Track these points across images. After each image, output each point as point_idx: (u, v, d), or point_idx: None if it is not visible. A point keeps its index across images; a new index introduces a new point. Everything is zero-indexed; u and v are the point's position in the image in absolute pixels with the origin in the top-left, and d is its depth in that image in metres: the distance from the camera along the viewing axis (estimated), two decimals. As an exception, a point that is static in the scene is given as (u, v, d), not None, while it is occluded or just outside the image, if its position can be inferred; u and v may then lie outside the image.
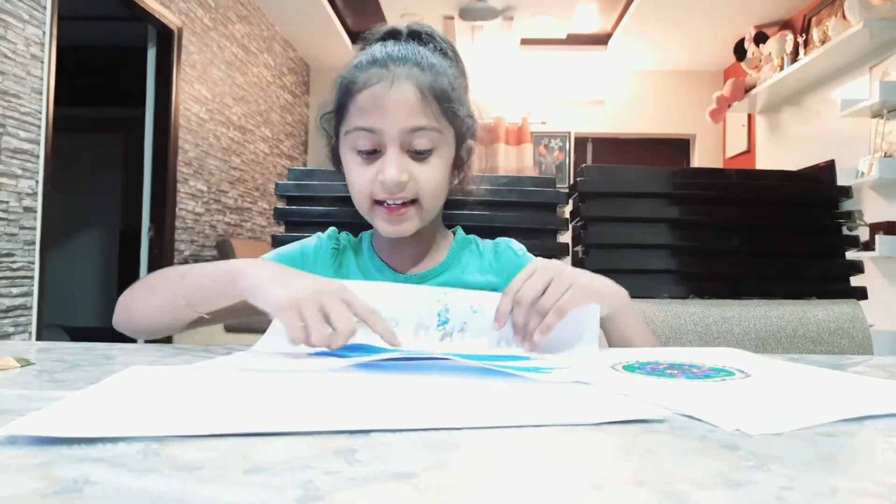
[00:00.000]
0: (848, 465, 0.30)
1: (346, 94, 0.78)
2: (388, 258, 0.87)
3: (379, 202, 0.78)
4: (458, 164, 0.85)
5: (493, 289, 0.86)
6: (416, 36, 0.83)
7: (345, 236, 0.90)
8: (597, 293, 0.70)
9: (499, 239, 0.92)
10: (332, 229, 0.90)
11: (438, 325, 0.68)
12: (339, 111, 0.80)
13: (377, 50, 0.79)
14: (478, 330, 0.68)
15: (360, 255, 0.88)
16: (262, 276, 0.63)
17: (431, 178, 0.77)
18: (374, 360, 0.52)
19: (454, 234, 0.92)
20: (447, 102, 0.77)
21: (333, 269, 0.86)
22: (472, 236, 0.93)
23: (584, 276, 0.69)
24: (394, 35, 0.83)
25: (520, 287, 0.66)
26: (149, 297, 0.73)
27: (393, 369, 0.50)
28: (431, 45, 0.82)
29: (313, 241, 0.88)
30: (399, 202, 0.77)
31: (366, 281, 0.73)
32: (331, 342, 0.57)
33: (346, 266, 0.87)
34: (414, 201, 0.78)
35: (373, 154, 0.76)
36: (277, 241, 1.09)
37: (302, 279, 0.61)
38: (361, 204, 0.79)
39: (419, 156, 0.76)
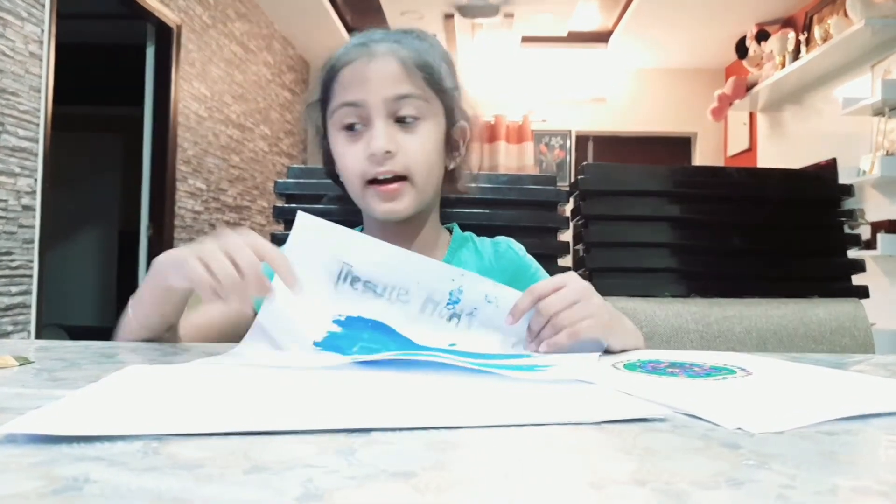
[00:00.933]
0: (849, 464, 0.30)
1: (328, 77, 0.78)
2: None
3: (371, 182, 0.76)
4: (452, 145, 0.84)
5: None
6: (401, 31, 0.83)
7: None
8: (612, 332, 0.66)
9: (498, 238, 0.91)
10: None
11: (448, 304, 0.66)
12: (324, 96, 0.80)
13: (358, 36, 0.80)
14: (487, 320, 0.66)
15: None
16: (170, 254, 0.62)
17: (421, 148, 0.76)
18: (373, 359, 0.52)
19: (450, 231, 0.91)
20: (431, 74, 0.77)
21: None
22: (468, 234, 0.91)
23: (608, 310, 0.67)
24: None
25: (547, 294, 0.63)
26: (133, 305, 0.71)
27: (392, 367, 0.50)
28: (416, 35, 0.82)
29: None
30: (390, 176, 0.75)
31: (378, 241, 0.69)
32: (241, 290, 0.55)
33: None
34: (405, 179, 0.76)
35: (360, 129, 0.76)
36: (277, 240, 1.09)
37: (207, 239, 0.59)
38: (354, 185, 0.78)
39: (406, 125, 0.76)
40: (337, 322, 0.65)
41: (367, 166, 0.75)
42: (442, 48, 0.84)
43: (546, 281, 0.65)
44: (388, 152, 0.74)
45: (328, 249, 0.66)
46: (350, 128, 0.76)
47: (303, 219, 0.68)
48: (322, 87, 0.80)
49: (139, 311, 0.68)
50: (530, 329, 0.64)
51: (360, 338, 0.63)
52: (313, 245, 0.66)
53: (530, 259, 0.89)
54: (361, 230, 0.88)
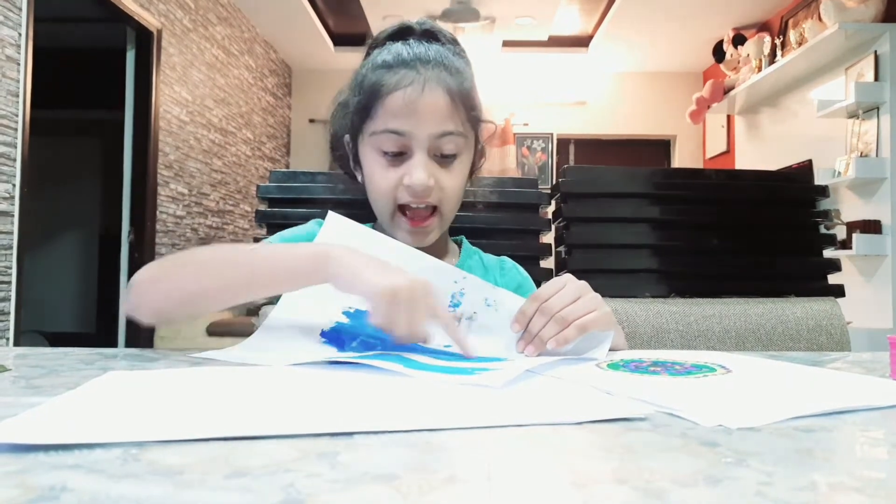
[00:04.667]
0: (826, 460, 0.31)
1: (373, 95, 0.75)
2: None
3: (401, 208, 0.77)
4: (473, 169, 0.85)
5: None
6: (433, 36, 0.82)
7: None
8: (615, 324, 0.68)
9: (503, 257, 0.92)
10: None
11: (450, 306, 0.67)
12: (365, 111, 0.77)
13: (402, 50, 0.77)
14: (486, 325, 0.66)
15: None
16: (357, 261, 0.61)
17: (454, 184, 0.77)
18: (343, 360, 0.53)
19: (459, 244, 0.92)
20: (472, 109, 0.78)
21: None
22: (475, 248, 0.92)
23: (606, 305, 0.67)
24: (409, 32, 0.82)
25: (550, 296, 0.63)
26: (199, 276, 0.67)
27: (373, 370, 0.50)
28: (450, 47, 0.81)
29: (313, 228, 0.83)
30: (423, 206, 0.76)
31: (395, 241, 0.70)
32: (401, 340, 0.59)
33: None
34: (435, 209, 0.77)
35: (399, 157, 0.75)
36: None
37: (394, 271, 0.60)
38: (383, 208, 0.78)
39: (444, 161, 0.76)
40: (346, 313, 0.67)
41: (401, 193, 0.76)
42: (467, 60, 0.83)
43: (546, 285, 0.65)
44: (427, 187, 0.74)
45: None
46: (390, 153, 0.75)
47: (333, 218, 0.74)
48: (364, 98, 0.77)
49: (272, 272, 0.64)
50: (528, 331, 0.63)
51: (363, 331, 0.64)
52: (339, 241, 0.69)
53: (530, 283, 0.91)
54: (372, 226, 0.88)
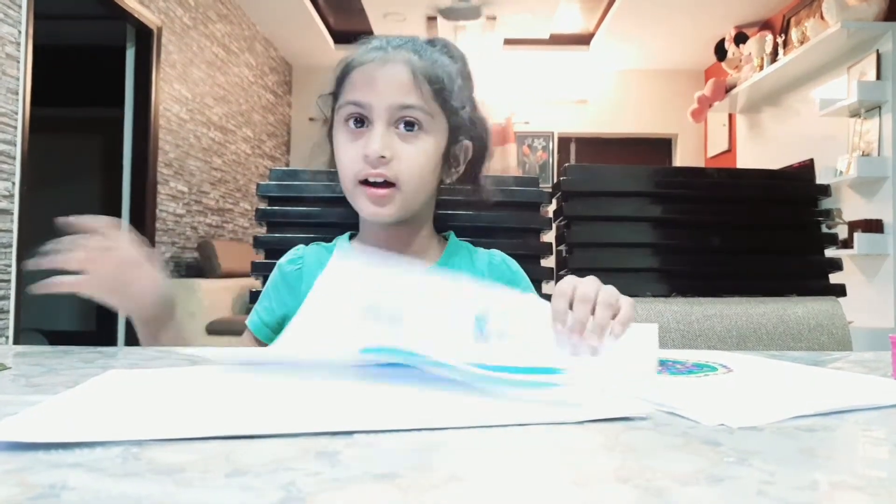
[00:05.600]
0: (828, 459, 0.31)
1: (342, 73, 0.80)
2: None
3: (362, 182, 0.77)
4: (452, 161, 0.84)
5: None
6: (428, 42, 0.84)
7: (311, 248, 0.89)
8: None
9: (493, 251, 0.92)
10: (293, 250, 0.89)
11: (476, 330, 0.59)
12: (336, 90, 0.81)
13: (379, 39, 0.81)
14: (519, 336, 0.60)
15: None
16: None
17: (415, 158, 0.77)
18: (384, 359, 0.49)
19: (447, 238, 0.91)
20: (441, 89, 0.78)
21: (299, 290, 0.84)
22: (464, 242, 0.92)
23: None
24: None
25: (575, 288, 0.58)
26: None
27: (383, 369, 0.50)
28: (440, 47, 0.83)
29: (274, 273, 0.88)
30: (381, 181, 0.76)
31: (409, 273, 0.65)
32: None
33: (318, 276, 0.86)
34: (394, 185, 0.77)
35: (360, 128, 0.77)
36: (259, 243, 1.08)
37: None
38: (346, 182, 0.79)
39: (406, 134, 0.77)
40: (364, 351, 0.57)
41: (360, 166, 0.76)
42: (465, 64, 0.85)
43: (563, 282, 0.61)
44: (382, 157, 0.75)
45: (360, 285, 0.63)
46: (352, 125, 0.78)
47: (335, 264, 0.69)
48: (335, 82, 0.81)
49: None
50: (577, 320, 0.56)
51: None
52: (345, 281, 0.65)
53: (522, 275, 0.90)
54: (349, 237, 0.89)
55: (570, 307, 0.57)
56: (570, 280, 0.60)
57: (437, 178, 0.83)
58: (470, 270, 0.87)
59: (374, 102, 0.75)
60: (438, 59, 0.80)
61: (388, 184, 0.77)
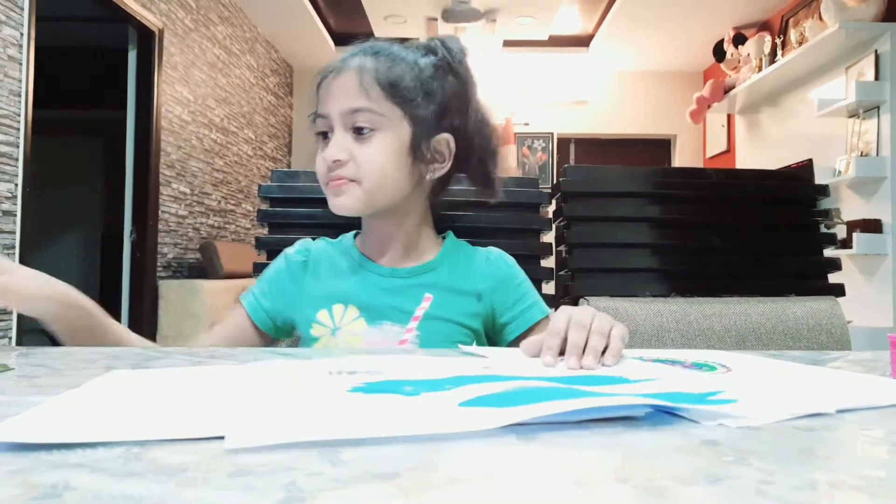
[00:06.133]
0: (826, 459, 0.31)
1: (316, 89, 0.85)
2: (372, 254, 0.88)
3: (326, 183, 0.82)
4: (430, 156, 0.83)
5: (480, 295, 0.85)
6: (388, 42, 0.87)
7: (319, 243, 0.92)
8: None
9: (490, 248, 0.92)
10: (300, 242, 0.92)
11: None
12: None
13: (350, 48, 0.86)
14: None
15: (345, 255, 0.89)
16: None
17: (371, 158, 0.80)
18: (536, 415, 0.35)
19: (444, 238, 0.92)
20: (393, 86, 0.80)
21: (302, 281, 0.87)
22: (462, 241, 0.93)
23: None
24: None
25: (566, 322, 0.58)
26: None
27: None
28: (423, 49, 0.85)
29: (280, 261, 0.90)
30: (339, 181, 0.80)
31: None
32: None
33: (326, 270, 0.88)
34: (353, 181, 0.81)
35: (327, 138, 0.82)
36: (261, 243, 1.08)
37: None
38: (321, 185, 0.84)
39: (362, 136, 0.80)
40: (353, 390, 0.44)
41: (325, 171, 0.81)
42: (457, 68, 0.86)
43: (554, 317, 0.60)
44: (336, 161, 0.79)
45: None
46: (322, 135, 0.83)
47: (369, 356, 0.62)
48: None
49: None
50: (573, 345, 0.56)
51: (397, 387, 0.45)
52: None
53: (518, 271, 0.90)
54: (353, 235, 0.92)
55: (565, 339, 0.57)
56: (564, 312, 0.60)
57: (410, 173, 0.82)
58: (467, 266, 0.88)
59: (331, 111, 0.80)
60: (400, 58, 0.82)
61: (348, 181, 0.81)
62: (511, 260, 0.91)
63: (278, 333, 0.89)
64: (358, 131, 0.80)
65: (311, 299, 0.85)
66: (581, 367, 0.54)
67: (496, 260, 0.90)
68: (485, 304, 0.86)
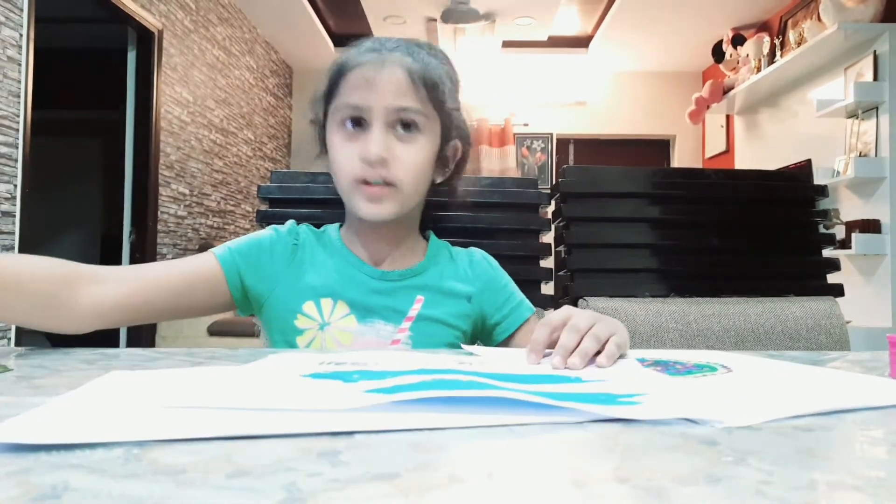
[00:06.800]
0: (826, 459, 0.31)
1: (337, 74, 0.79)
2: (361, 254, 0.85)
3: (360, 182, 0.77)
4: (443, 161, 0.85)
5: (469, 297, 0.85)
6: (412, 42, 0.85)
7: (305, 229, 0.87)
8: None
9: (471, 248, 0.92)
10: (291, 222, 0.87)
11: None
12: (330, 91, 0.80)
13: (372, 41, 0.81)
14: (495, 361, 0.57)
15: (330, 250, 0.85)
16: None
17: (413, 160, 0.77)
18: (415, 397, 0.38)
19: (426, 238, 0.91)
20: (435, 91, 0.78)
21: (289, 264, 0.82)
22: (443, 241, 0.92)
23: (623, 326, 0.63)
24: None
25: (563, 320, 0.57)
26: None
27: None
28: (426, 49, 0.83)
29: (268, 233, 0.84)
30: (380, 181, 0.76)
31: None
32: None
33: (311, 261, 0.83)
34: (392, 185, 0.77)
35: (358, 130, 0.77)
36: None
37: None
38: (343, 183, 0.79)
39: (403, 135, 0.77)
40: (308, 376, 0.47)
41: (359, 168, 0.76)
42: (451, 66, 0.85)
43: (554, 313, 0.60)
44: (382, 159, 0.75)
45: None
46: (349, 127, 0.78)
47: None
48: (329, 83, 0.81)
49: None
50: (563, 347, 0.55)
51: (349, 375, 0.47)
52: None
53: (502, 272, 0.90)
54: (338, 228, 0.88)
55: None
56: (564, 310, 0.60)
57: (430, 179, 0.84)
58: (452, 269, 0.87)
59: (373, 104, 0.76)
60: (429, 62, 0.80)
61: (386, 183, 0.77)
62: (494, 261, 0.91)
63: (240, 304, 0.81)
64: (406, 128, 0.77)
65: (296, 288, 0.81)
66: (566, 367, 0.53)
67: (480, 261, 0.90)
68: (474, 307, 0.86)
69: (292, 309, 0.81)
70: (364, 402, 0.37)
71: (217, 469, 0.27)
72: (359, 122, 0.77)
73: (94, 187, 5.35)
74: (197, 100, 4.02)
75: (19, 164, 2.55)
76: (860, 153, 3.42)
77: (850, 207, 3.47)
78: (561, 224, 1.23)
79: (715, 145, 5.46)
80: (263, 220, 1.10)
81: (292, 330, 0.80)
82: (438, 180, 0.86)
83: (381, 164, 0.75)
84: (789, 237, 1.25)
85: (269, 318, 0.83)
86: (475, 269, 0.88)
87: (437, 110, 0.80)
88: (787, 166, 3.96)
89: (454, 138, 0.85)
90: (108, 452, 0.29)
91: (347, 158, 0.77)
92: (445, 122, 0.82)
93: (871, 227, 3.26)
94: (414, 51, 0.80)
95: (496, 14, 4.44)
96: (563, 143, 5.98)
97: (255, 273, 0.81)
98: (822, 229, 1.26)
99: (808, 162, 3.78)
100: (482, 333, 0.88)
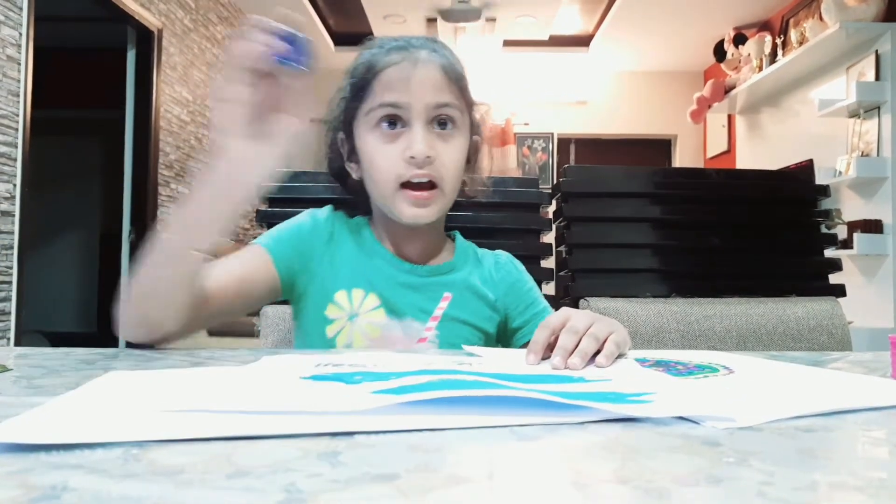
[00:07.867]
0: (827, 460, 0.31)
1: (367, 75, 0.77)
2: (388, 245, 0.84)
3: (403, 185, 0.76)
4: (469, 157, 0.84)
5: (495, 299, 0.85)
6: (430, 39, 0.84)
7: (341, 217, 0.86)
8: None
9: (498, 251, 0.92)
10: (328, 208, 0.86)
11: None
12: (360, 92, 0.78)
13: (394, 39, 0.80)
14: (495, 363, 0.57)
15: (363, 243, 0.84)
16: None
17: (454, 157, 0.77)
18: (423, 398, 0.37)
19: (452, 238, 0.91)
20: (464, 85, 0.79)
21: (325, 252, 0.82)
22: (469, 242, 0.92)
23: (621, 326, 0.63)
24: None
25: (563, 321, 0.57)
26: (148, 257, 0.71)
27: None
28: (444, 46, 0.83)
29: (307, 219, 0.84)
30: (425, 181, 0.75)
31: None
32: None
33: (346, 250, 0.83)
34: (435, 186, 0.76)
35: (395, 130, 0.76)
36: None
37: None
38: (385, 185, 0.76)
39: (443, 133, 0.77)
40: (308, 378, 0.47)
41: (403, 168, 0.75)
42: (461, 64, 0.85)
43: (554, 315, 0.60)
44: (428, 158, 0.74)
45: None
46: (386, 127, 0.76)
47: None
48: (357, 84, 0.78)
49: (190, 221, 0.72)
50: (562, 347, 0.55)
51: (350, 377, 0.47)
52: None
53: (528, 276, 0.90)
54: (367, 222, 0.87)
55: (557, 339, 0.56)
56: (563, 311, 0.60)
57: (462, 177, 0.83)
58: (479, 271, 0.87)
59: (413, 103, 0.74)
60: (454, 58, 0.80)
61: (430, 185, 0.76)
62: (520, 264, 0.91)
63: (286, 291, 0.80)
64: (442, 125, 0.76)
65: (330, 276, 0.80)
66: (566, 368, 0.53)
67: (506, 263, 0.89)
68: (499, 310, 0.86)
69: (325, 298, 0.80)
70: (372, 404, 0.37)
71: (216, 469, 0.27)
72: (394, 122, 0.76)
73: (94, 187, 5.36)
74: (197, 99, 4.02)
75: (19, 164, 2.55)
76: (862, 153, 3.41)
77: (851, 207, 3.47)
78: (562, 224, 1.23)
79: (716, 145, 5.45)
80: (263, 219, 1.10)
81: (324, 321, 0.79)
82: (464, 178, 0.85)
83: (428, 162, 0.74)
84: (791, 237, 1.25)
85: (304, 307, 0.82)
86: (500, 272, 0.88)
87: (467, 106, 0.80)
88: (789, 166, 3.95)
89: (476, 134, 0.85)
90: (107, 453, 0.29)
91: (388, 160, 0.76)
92: (472, 117, 0.82)
93: (873, 227, 3.25)
94: (437, 47, 0.79)
95: (497, 13, 4.43)
96: (564, 142, 5.98)
97: (298, 259, 0.80)
98: (823, 229, 1.26)
99: (810, 162, 3.77)
100: (505, 337, 0.87)
